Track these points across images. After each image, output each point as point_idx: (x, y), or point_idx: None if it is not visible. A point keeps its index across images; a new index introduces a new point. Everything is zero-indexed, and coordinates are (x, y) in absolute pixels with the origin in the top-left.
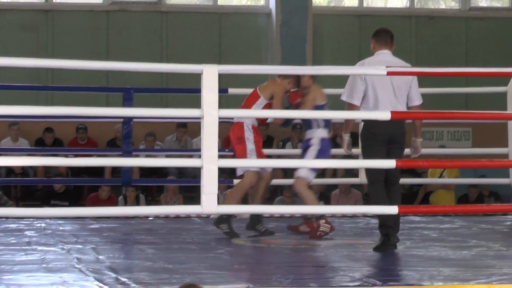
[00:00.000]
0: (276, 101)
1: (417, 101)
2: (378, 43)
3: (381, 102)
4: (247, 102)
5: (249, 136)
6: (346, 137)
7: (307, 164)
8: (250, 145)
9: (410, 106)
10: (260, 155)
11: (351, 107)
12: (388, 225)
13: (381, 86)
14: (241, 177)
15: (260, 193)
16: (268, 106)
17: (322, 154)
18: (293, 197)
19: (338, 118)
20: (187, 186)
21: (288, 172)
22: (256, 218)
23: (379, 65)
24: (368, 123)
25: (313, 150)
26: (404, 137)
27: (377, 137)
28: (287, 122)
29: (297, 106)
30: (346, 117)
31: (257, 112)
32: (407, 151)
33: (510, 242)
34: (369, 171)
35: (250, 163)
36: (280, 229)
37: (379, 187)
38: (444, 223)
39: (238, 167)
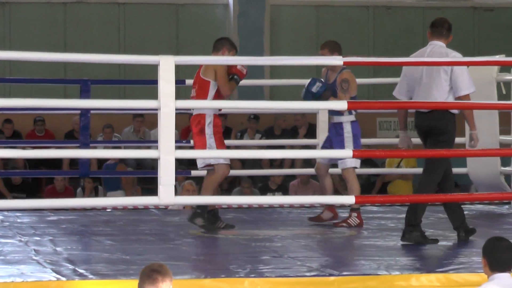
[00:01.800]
0: (219, 79)
1: (460, 91)
2: (431, 34)
3: (414, 93)
4: (200, 91)
5: (209, 131)
6: (401, 134)
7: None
8: (210, 140)
9: (456, 97)
10: (221, 146)
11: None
12: None
13: (413, 77)
14: (209, 169)
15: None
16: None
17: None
18: (251, 188)
19: (293, 110)
20: (146, 178)
21: (245, 163)
22: (213, 216)
23: (416, 55)
24: None
25: (349, 136)
26: (440, 129)
27: (416, 129)
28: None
29: (331, 85)
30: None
31: (213, 103)
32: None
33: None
34: None
35: (207, 154)
36: (238, 219)
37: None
38: (401, 213)
39: (199, 160)
